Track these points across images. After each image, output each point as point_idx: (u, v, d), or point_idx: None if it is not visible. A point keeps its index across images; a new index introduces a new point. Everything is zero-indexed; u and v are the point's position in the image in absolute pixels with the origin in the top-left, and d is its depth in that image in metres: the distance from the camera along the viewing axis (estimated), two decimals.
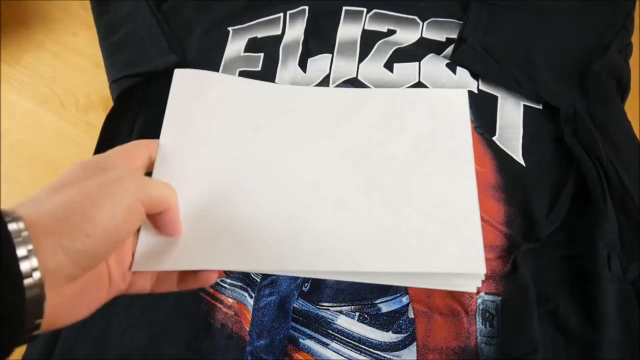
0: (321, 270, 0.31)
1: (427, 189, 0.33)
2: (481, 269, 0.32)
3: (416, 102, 0.37)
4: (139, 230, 0.32)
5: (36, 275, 0.23)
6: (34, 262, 0.23)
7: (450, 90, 0.38)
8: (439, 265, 0.31)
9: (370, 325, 0.45)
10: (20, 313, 0.23)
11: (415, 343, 0.43)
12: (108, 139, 0.54)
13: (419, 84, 0.55)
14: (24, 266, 0.23)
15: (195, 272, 0.32)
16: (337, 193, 0.33)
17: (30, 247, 0.23)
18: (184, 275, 0.33)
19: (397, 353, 0.43)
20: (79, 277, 0.26)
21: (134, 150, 0.33)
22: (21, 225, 0.23)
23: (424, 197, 0.33)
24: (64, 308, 0.26)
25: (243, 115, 0.35)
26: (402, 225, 0.32)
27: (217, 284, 0.47)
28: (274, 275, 0.46)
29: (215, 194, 0.32)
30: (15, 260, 0.22)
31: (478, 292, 0.44)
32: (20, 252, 0.23)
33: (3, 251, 0.22)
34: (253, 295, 0.46)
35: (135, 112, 0.56)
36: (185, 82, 0.36)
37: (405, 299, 0.45)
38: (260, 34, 0.61)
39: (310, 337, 0.44)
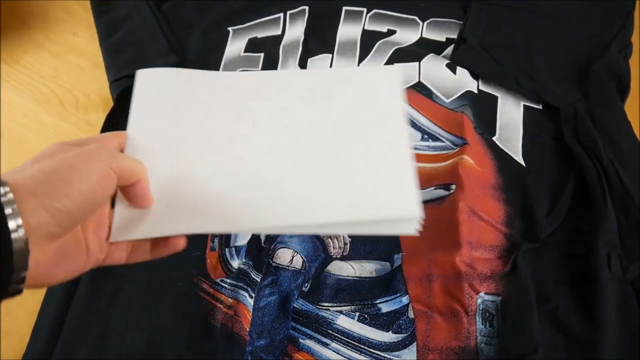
0: (270, 226, 0.35)
1: (362, 145, 0.38)
2: (416, 212, 0.34)
3: (350, 78, 0.41)
4: (114, 206, 0.35)
5: (21, 231, 0.26)
6: (18, 220, 0.26)
7: (381, 67, 0.42)
8: (376, 212, 0.35)
9: (370, 325, 0.45)
10: (9, 265, 0.26)
11: (415, 343, 0.43)
12: None
13: (419, 84, 0.55)
14: (10, 224, 0.25)
15: (165, 240, 0.35)
16: (281, 160, 0.37)
17: (14, 206, 0.26)
18: (156, 243, 0.36)
19: (397, 353, 0.43)
20: (59, 236, 0.29)
21: (108, 137, 0.36)
22: (6, 188, 0.26)
23: (359, 154, 0.37)
24: (46, 265, 0.28)
25: (198, 102, 0.40)
26: (340, 179, 0.36)
27: (217, 284, 0.47)
28: (274, 276, 0.46)
29: (178, 171, 0.36)
30: (4, 218, 0.25)
31: (478, 292, 0.44)
32: (6, 211, 0.25)
33: None
34: (253, 295, 0.46)
35: None
36: (148, 80, 0.41)
37: (405, 299, 0.45)
38: (261, 34, 0.61)
39: (310, 337, 0.44)
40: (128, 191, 0.34)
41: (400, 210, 0.35)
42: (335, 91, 0.40)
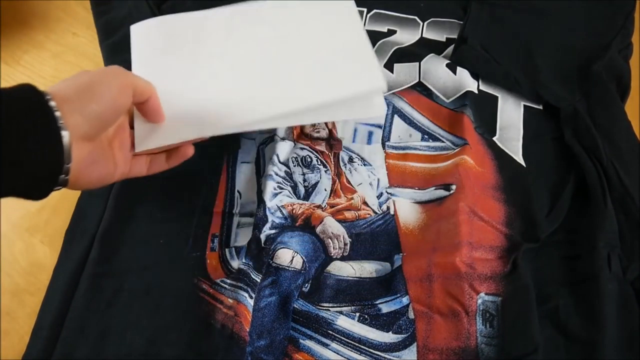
0: (258, 119, 0.41)
1: (328, 49, 0.44)
2: (380, 83, 0.41)
3: (312, 6, 0.47)
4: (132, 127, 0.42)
5: (65, 129, 0.32)
6: (61, 121, 0.32)
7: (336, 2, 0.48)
8: (344, 90, 0.41)
9: (371, 326, 0.45)
10: (61, 155, 0.32)
11: (415, 343, 0.43)
12: None
13: (419, 84, 0.55)
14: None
15: (177, 150, 0.43)
16: (262, 72, 0.44)
17: (58, 111, 0.32)
18: (169, 154, 0.43)
19: (397, 353, 0.43)
20: (92, 138, 0.35)
21: None
22: (48, 96, 0.32)
23: (327, 55, 0.44)
24: (83, 165, 0.35)
25: (188, 41, 0.47)
26: (312, 76, 0.43)
27: (217, 284, 0.47)
28: (274, 276, 0.46)
29: (182, 94, 0.43)
30: (56, 119, 0.32)
31: (478, 293, 0.44)
32: (56, 113, 0.32)
33: (49, 113, 0.32)
34: (253, 295, 0.46)
35: None
36: (141, 32, 0.48)
37: (405, 300, 0.45)
38: None
39: (311, 338, 0.44)
40: (143, 108, 0.41)
41: (365, 84, 0.42)
42: (300, 16, 0.47)
